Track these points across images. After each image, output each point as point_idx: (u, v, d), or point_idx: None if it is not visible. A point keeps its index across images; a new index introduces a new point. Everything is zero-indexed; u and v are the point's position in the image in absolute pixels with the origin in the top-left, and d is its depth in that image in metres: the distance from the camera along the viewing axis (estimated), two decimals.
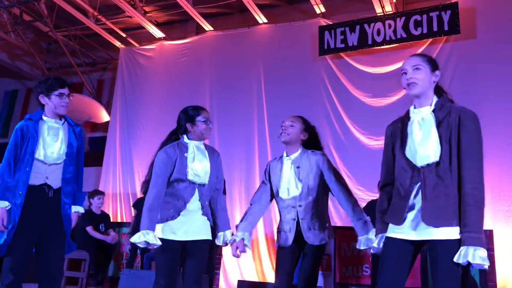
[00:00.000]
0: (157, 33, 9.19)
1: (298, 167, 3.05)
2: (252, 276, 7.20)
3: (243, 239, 2.99)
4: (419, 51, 7.22)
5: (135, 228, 6.66)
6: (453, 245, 2.03)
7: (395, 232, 2.22)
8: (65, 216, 3.00)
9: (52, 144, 2.98)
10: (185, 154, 2.92)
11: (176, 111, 9.09)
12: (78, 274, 5.85)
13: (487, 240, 5.03)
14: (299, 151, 3.13)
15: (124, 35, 9.42)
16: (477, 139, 2.14)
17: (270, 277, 7.02)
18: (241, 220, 3.13)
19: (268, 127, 7.87)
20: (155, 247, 2.72)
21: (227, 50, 8.60)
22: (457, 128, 2.16)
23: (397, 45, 7.31)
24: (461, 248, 2.00)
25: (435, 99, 2.31)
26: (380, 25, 7.35)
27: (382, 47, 7.39)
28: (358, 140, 7.30)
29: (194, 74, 8.75)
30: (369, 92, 7.40)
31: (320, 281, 6.03)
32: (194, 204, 2.90)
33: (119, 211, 8.57)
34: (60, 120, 3.10)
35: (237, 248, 2.96)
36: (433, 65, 2.38)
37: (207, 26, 8.83)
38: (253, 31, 8.57)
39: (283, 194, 3.07)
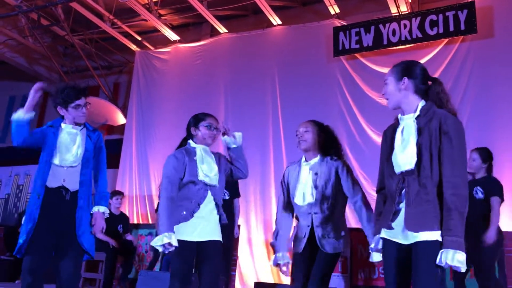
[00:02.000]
0: (172, 36, 9.25)
1: (316, 174, 3.02)
2: (267, 278, 7.19)
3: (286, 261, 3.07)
4: (435, 51, 7.17)
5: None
6: (432, 246, 2.06)
7: (387, 234, 2.28)
8: (78, 219, 3.03)
9: (69, 149, 3.08)
10: (194, 158, 2.97)
11: (191, 113, 9.14)
12: (96, 275, 5.90)
13: (506, 242, 4.95)
14: (318, 157, 3.10)
15: (139, 38, 9.51)
16: (458, 145, 2.14)
17: (286, 279, 7.01)
18: (275, 238, 3.13)
19: (283, 129, 7.86)
20: (172, 249, 2.73)
21: (241, 52, 8.62)
22: (438, 135, 2.16)
23: (413, 45, 7.25)
24: (442, 250, 2.03)
25: (421, 104, 2.29)
26: (396, 25, 7.30)
27: (397, 47, 7.34)
28: (374, 141, 7.25)
29: (209, 76, 8.78)
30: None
31: (336, 283, 5.99)
32: (208, 205, 2.93)
33: (135, 212, 8.63)
34: (79, 126, 3.20)
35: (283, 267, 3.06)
36: (399, 73, 2.36)
37: (221, 29, 8.87)
38: (267, 33, 8.58)
39: (298, 200, 3.04)
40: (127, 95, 9.96)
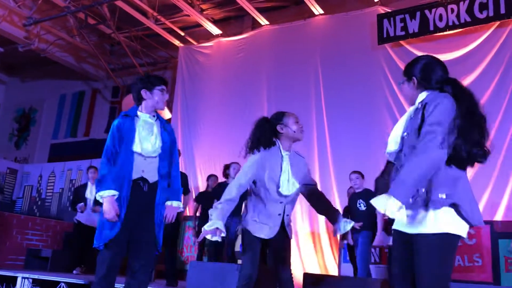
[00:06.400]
0: (214, 30, 9.33)
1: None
2: (314, 269, 7.18)
3: None
4: (485, 35, 6.90)
5: (201, 222, 6.75)
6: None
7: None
8: (157, 211, 3.04)
9: (147, 138, 3.04)
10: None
11: (235, 106, 9.19)
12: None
13: None
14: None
15: (182, 34, 9.64)
16: None
17: (333, 270, 6.98)
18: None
19: (327, 121, 7.80)
20: None
21: (283, 44, 8.58)
22: None
23: (461, 30, 7.00)
24: None
25: None
26: (442, 10, 7.07)
27: (445, 33, 7.10)
28: None
29: (251, 69, 8.81)
30: None
31: (379, 274, 5.92)
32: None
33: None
34: (154, 116, 3.17)
35: None
36: None
37: (263, 21, 8.86)
38: (309, 23, 8.50)
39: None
40: (172, 90, 10.11)
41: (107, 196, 2.87)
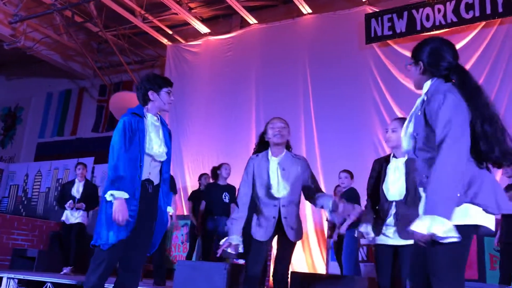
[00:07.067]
0: (203, 28, 9.30)
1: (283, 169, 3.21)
2: (302, 268, 7.20)
3: None
4: (471, 35, 6.97)
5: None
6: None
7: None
8: (160, 214, 3.03)
9: (157, 142, 3.00)
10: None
11: (223, 105, 9.15)
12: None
13: None
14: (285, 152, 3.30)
15: (170, 32, 9.60)
16: None
17: (321, 269, 7.00)
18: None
19: (315, 119, 7.82)
20: None
21: (272, 43, 8.59)
22: None
23: (448, 30, 7.06)
24: None
25: None
26: (429, 10, 7.13)
27: (431, 33, 7.15)
28: None
29: (240, 68, 8.80)
30: None
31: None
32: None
33: None
34: (158, 119, 3.11)
35: None
36: None
37: (251, 20, 8.85)
38: (298, 22, 8.52)
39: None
40: None
41: (120, 198, 2.75)
